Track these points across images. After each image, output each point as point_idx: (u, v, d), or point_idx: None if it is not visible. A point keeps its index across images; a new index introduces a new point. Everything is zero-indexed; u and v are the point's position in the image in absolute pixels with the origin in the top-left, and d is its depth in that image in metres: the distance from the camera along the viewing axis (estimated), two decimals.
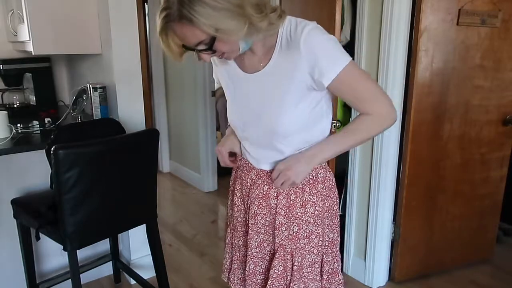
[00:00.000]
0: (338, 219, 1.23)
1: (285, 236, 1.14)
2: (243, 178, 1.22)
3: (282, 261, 1.14)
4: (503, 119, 2.40)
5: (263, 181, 1.15)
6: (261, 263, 1.20)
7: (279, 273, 1.14)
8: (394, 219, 2.36)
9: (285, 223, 1.13)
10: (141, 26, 4.30)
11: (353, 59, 2.18)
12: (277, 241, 1.14)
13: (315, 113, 1.08)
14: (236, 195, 1.26)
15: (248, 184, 1.19)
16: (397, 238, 2.36)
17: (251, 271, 1.20)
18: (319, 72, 0.99)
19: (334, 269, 1.22)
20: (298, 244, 1.13)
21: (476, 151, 2.40)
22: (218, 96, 3.86)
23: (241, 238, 1.26)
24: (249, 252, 1.20)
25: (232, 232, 1.31)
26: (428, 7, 2.04)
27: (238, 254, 1.29)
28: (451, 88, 2.23)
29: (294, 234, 1.13)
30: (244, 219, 1.24)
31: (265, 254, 1.19)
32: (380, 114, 1.07)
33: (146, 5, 4.33)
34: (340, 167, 2.29)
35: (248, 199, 1.20)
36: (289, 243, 1.14)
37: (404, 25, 2.07)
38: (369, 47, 2.18)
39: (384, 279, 2.43)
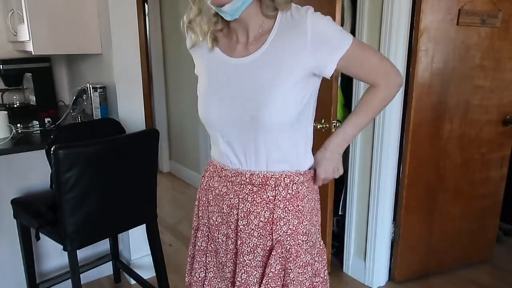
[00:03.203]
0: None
1: (284, 231, 1.05)
2: (216, 187, 1.12)
3: (279, 259, 1.06)
4: (503, 119, 2.40)
5: (253, 180, 1.05)
6: (255, 272, 1.08)
7: (276, 272, 1.05)
8: (394, 219, 2.36)
9: (284, 217, 1.05)
10: (141, 26, 4.30)
11: None
12: (274, 237, 1.05)
13: (303, 111, 1.03)
14: (210, 203, 1.16)
15: (230, 189, 1.09)
16: (397, 238, 2.36)
17: (243, 281, 1.08)
18: (329, 49, 0.98)
19: (325, 278, 1.16)
20: (296, 240, 1.06)
21: (476, 151, 2.40)
22: None
23: (218, 243, 1.15)
24: (241, 259, 1.08)
25: (208, 236, 1.18)
26: (428, 7, 2.04)
27: (214, 260, 1.18)
28: (451, 88, 2.23)
29: (294, 228, 1.06)
30: (222, 222, 1.13)
31: (259, 261, 1.07)
32: (388, 83, 1.09)
33: (146, 5, 4.33)
34: None
35: (236, 200, 1.08)
36: (288, 238, 1.05)
37: (404, 25, 2.07)
38: None
39: (384, 279, 2.43)
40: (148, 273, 2.31)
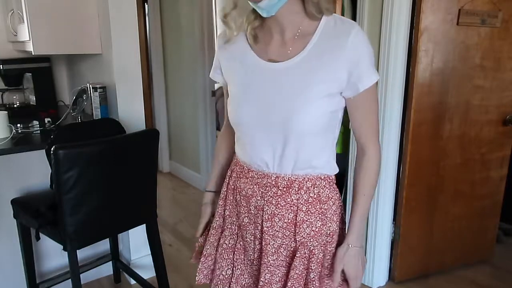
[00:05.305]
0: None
1: (307, 233, 1.06)
2: (243, 188, 1.11)
3: (303, 260, 1.06)
4: (503, 119, 2.40)
5: (279, 182, 1.06)
6: (277, 271, 1.09)
7: (299, 272, 1.07)
8: (394, 219, 2.36)
9: (307, 220, 1.05)
10: (141, 26, 4.30)
11: None
12: (297, 239, 1.06)
13: (333, 118, 1.03)
14: (238, 203, 1.15)
15: (256, 191, 1.09)
16: (397, 238, 2.36)
17: (266, 280, 1.09)
18: (358, 73, 0.96)
19: None
20: (320, 241, 1.07)
21: (476, 151, 2.40)
22: (218, 96, 3.87)
23: (247, 242, 1.15)
24: (265, 260, 1.09)
25: (237, 234, 1.18)
26: (428, 7, 2.04)
27: (242, 257, 1.18)
28: (451, 88, 2.23)
29: (317, 230, 1.06)
30: (250, 222, 1.13)
31: (282, 260, 1.09)
32: (376, 152, 1.07)
33: (146, 5, 4.33)
34: (340, 167, 2.29)
35: (262, 201, 1.08)
36: (311, 240, 1.06)
37: (404, 25, 2.07)
38: None
39: (384, 279, 2.43)
40: (148, 273, 2.31)
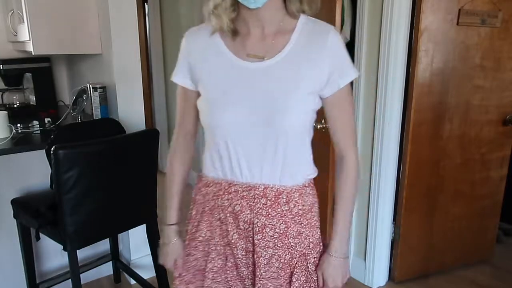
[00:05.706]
0: None
1: (306, 245, 1.06)
2: (228, 205, 1.05)
3: (305, 272, 1.06)
4: (503, 119, 2.40)
5: (267, 193, 1.02)
6: (269, 284, 1.06)
7: (302, 282, 1.06)
8: (394, 219, 2.36)
9: (303, 232, 1.05)
10: (141, 26, 4.30)
11: (353, 59, 2.19)
12: (299, 249, 1.06)
13: (313, 117, 1.02)
14: (223, 222, 1.08)
15: (244, 205, 1.03)
16: (397, 238, 2.36)
17: None
18: (339, 70, 0.97)
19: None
20: (313, 252, 1.08)
21: (476, 151, 2.40)
22: None
23: (238, 258, 1.10)
24: (257, 273, 1.06)
25: (225, 254, 1.10)
26: (428, 7, 2.04)
27: (235, 273, 1.13)
28: (451, 88, 2.23)
29: (316, 241, 1.08)
30: (240, 237, 1.07)
31: (273, 272, 1.06)
32: (353, 157, 1.06)
33: (146, 5, 4.33)
34: None
35: (251, 214, 1.03)
36: (311, 252, 1.08)
37: (404, 25, 2.07)
38: (369, 47, 2.18)
39: (384, 279, 2.43)
40: (148, 273, 2.31)
